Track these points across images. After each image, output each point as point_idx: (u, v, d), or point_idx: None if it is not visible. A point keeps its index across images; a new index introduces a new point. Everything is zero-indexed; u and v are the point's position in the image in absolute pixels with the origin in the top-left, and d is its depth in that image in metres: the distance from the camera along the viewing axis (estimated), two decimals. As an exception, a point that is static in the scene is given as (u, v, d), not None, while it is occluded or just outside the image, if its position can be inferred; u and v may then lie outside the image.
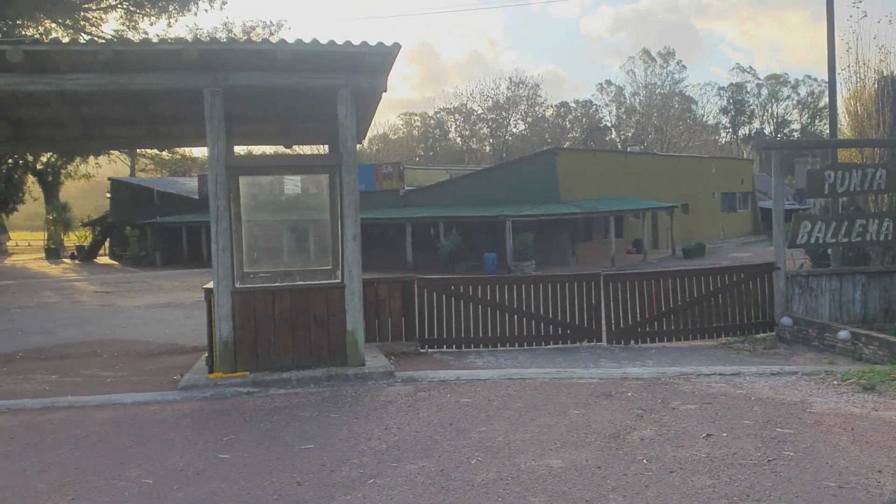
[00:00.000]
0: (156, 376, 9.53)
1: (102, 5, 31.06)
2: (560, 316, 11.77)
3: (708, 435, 5.95)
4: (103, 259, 46.45)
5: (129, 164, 68.96)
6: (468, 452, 5.61)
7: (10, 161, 54.49)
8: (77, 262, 44.47)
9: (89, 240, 49.24)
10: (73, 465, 5.55)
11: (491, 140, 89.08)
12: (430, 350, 11.28)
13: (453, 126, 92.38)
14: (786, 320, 12.09)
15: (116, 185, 49.61)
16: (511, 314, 11.64)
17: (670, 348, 11.82)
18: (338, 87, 8.92)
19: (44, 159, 58.21)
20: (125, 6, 30.82)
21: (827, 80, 16.01)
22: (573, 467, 5.17)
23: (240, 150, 11.85)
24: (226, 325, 8.70)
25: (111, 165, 67.01)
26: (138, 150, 65.60)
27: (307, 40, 8.49)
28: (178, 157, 71.41)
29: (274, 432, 6.37)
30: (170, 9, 29.69)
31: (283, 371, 8.82)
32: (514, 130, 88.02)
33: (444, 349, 11.40)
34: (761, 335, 12.33)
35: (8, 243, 64.81)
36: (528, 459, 5.37)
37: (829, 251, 14.13)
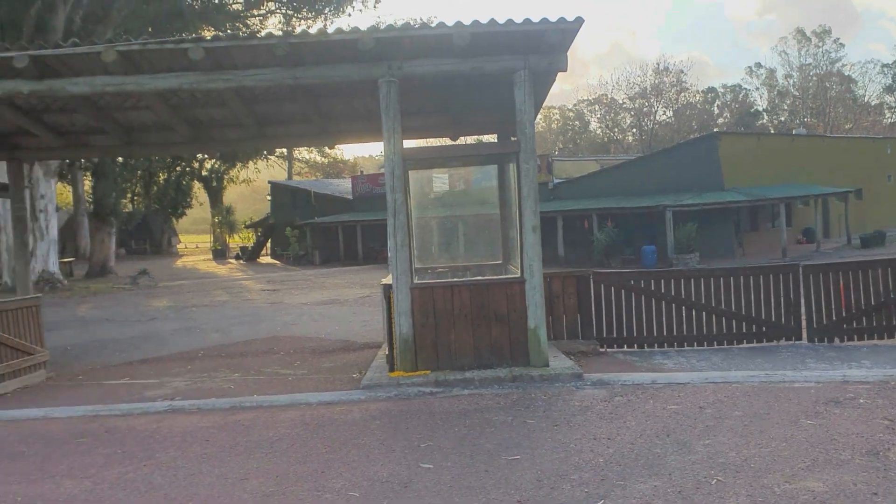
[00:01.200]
0: (335, 374, 9.38)
1: (262, 11, 32.38)
2: (754, 312, 10.69)
3: None
4: (265, 259, 48.60)
5: (285, 168, 72.21)
6: (702, 470, 4.88)
7: (177, 168, 58.32)
8: (241, 262, 46.76)
9: (252, 241, 51.73)
10: (272, 472, 5.29)
11: (634, 130, 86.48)
12: (608, 349, 10.53)
13: (594, 117, 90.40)
14: None
15: (276, 188, 51.77)
16: (698, 310, 10.69)
17: (883, 347, 10.44)
18: (515, 69, 8.37)
19: (208, 165, 61.91)
20: (283, 11, 31.98)
21: None
22: (841, 492, 4.34)
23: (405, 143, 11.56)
24: (405, 322, 8.38)
25: (269, 170, 70.48)
26: (295, 154, 68.59)
27: (483, 21, 7.99)
28: (331, 159, 74.08)
29: (471, 439, 5.90)
30: (325, 11, 30.47)
31: (464, 370, 8.39)
32: (659, 119, 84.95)
33: (625, 349, 10.63)
34: None
35: (178, 246, 69.41)
36: (780, 481, 4.58)
37: None
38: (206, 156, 59.54)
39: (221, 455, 5.81)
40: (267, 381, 9.21)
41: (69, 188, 55.85)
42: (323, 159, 74.78)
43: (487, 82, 9.94)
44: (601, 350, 10.46)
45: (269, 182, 54.68)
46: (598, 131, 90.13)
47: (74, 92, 8.27)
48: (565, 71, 8.56)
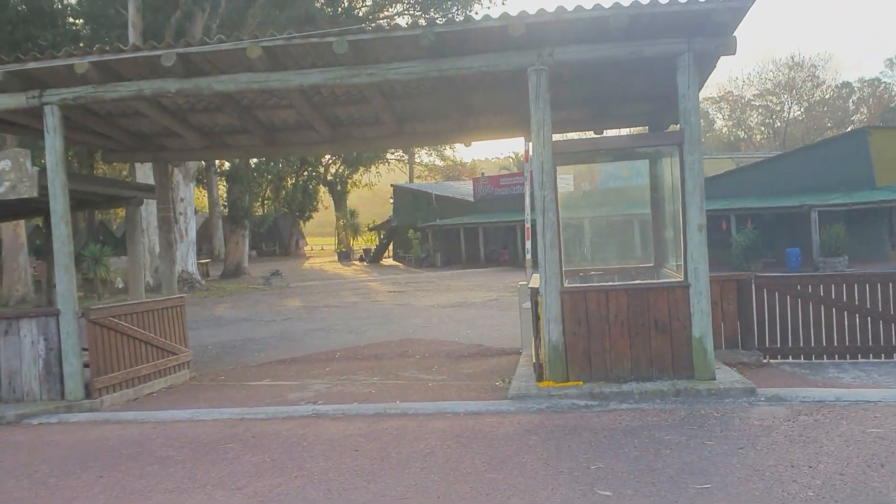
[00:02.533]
0: (476, 381, 8.92)
1: (391, 12, 32.64)
2: (943, 321, 9.45)
3: None
4: (387, 261, 49.13)
5: (405, 171, 73.09)
6: (945, 514, 4.07)
7: (304, 173, 59.98)
8: (365, 263, 47.46)
9: (375, 243, 52.45)
10: (431, 491, 4.85)
11: (762, 128, 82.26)
12: (772, 361, 9.57)
13: (720, 115, 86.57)
14: None
15: (398, 191, 52.30)
16: (875, 319, 9.55)
17: None
18: (678, 52, 7.64)
19: (332, 170, 63.40)
20: (410, 12, 32.14)
21: None
22: None
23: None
24: (555, 328, 7.80)
25: (389, 174, 71.59)
26: (416, 158, 69.24)
27: (643, 1, 7.32)
28: (450, 162, 74.41)
29: (646, 461, 5.26)
30: (453, 10, 30.34)
31: (620, 382, 7.74)
32: (790, 116, 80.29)
33: (791, 360, 9.62)
34: None
35: (304, 248, 71.47)
36: None
37: None
38: (331, 160, 61.11)
39: (374, 468, 5.44)
40: (407, 386, 8.87)
41: (204, 193, 58.47)
42: (442, 162, 75.21)
43: (640, 70, 9.23)
44: (764, 361, 9.53)
45: (392, 185, 55.32)
46: (724, 130, 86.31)
47: (220, 90, 8.20)
48: (734, 54, 7.77)
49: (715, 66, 8.66)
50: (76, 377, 8.32)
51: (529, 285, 8.74)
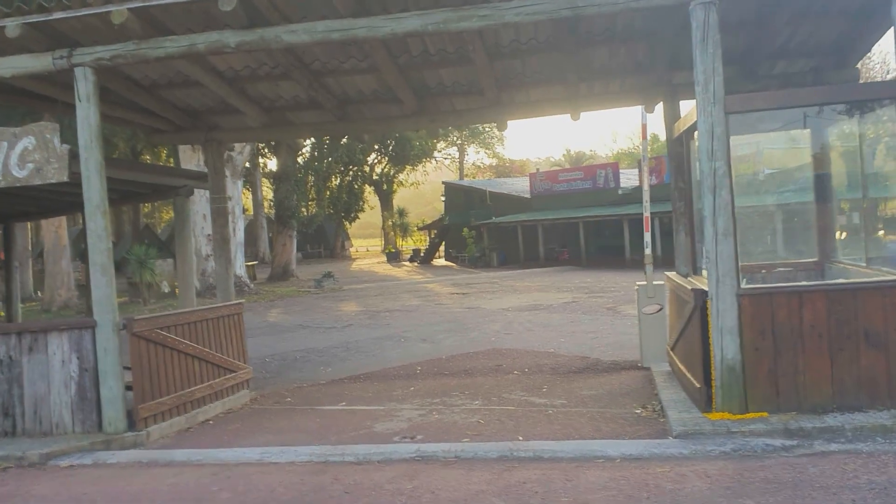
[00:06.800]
0: (606, 407, 7.08)
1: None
2: None
3: None
4: (439, 261, 47.42)
5: (452, 169, 71.46)
6: None
7: (350, 173, 58.58)
8: (416, 264, 45.85)
9: (424, 243, 50.79)
10: None
11: None
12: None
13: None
14: None
15: (450, 188, 50.58)
16: None
17: None
18: (892, -23, 5.75)
19: (378, 169, 61.92)
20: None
21: None
22: None
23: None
24: (730, 342, 5.93)
25: (436, 173, 69.93)
26: (465, 155, 67.51)
27: None
28: (500, 160, 72.59)
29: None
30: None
31: (819, 413, 5.85)
32: None
33: None
34: None
35: (350, 249, 70.17)
36: None
37: None
38: (376, 160, 59.63)
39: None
40: (522, 414, 7.06)
41: (249, 193, 57.42)
42: (492, 160, 73.40)
43: (810, 12, 7.35)
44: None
45: (444, 182, 53.55)
46: None
47: (291, 41, 6.49)
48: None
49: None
50: (117, 404, 6.68)
51: (699, 286, 6.85)
